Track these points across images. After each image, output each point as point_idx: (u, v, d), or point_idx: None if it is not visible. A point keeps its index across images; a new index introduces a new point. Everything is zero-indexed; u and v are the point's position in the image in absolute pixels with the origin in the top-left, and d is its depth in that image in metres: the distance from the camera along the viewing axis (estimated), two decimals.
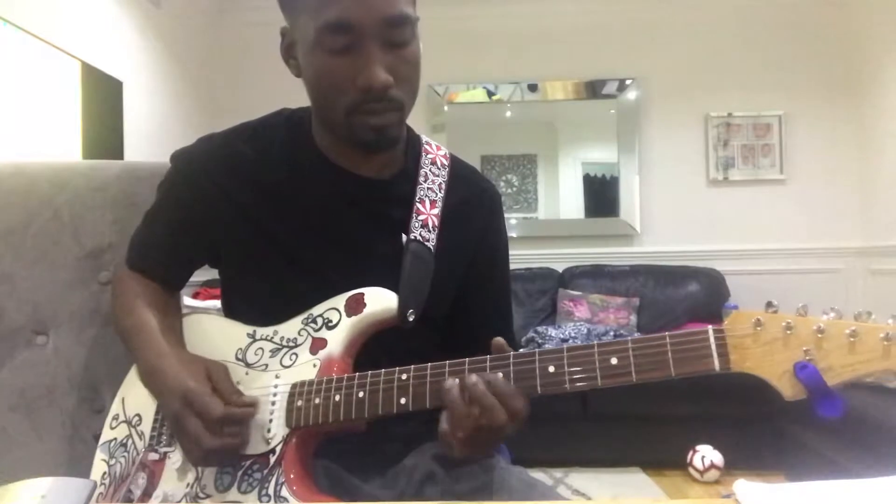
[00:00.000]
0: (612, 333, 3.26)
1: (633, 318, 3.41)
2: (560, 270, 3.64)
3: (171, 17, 3.29)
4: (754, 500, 0.56)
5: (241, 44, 3.85)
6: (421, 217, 0.87)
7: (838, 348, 0.59)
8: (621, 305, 3.43)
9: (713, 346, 0.63)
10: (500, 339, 0.72)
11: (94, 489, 0.58)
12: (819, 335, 0.60)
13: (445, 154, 0.96)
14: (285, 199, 0.86)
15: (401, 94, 0.79)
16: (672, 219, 3.79)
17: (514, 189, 3.84)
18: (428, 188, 0.90)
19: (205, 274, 0.98)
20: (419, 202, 0.88)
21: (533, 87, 3.83)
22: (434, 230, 0.87)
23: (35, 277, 1.04)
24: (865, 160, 3.65)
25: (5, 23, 2.07)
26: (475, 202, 0.95)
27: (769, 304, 0.63)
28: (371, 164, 0.87)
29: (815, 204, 3.71)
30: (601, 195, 3.83)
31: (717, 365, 0.63)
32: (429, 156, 0.93)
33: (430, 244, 0.86)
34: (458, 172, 0.95)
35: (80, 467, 0.96)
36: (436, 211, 0.89)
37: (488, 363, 0.71)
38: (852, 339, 0.58)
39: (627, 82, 3.78)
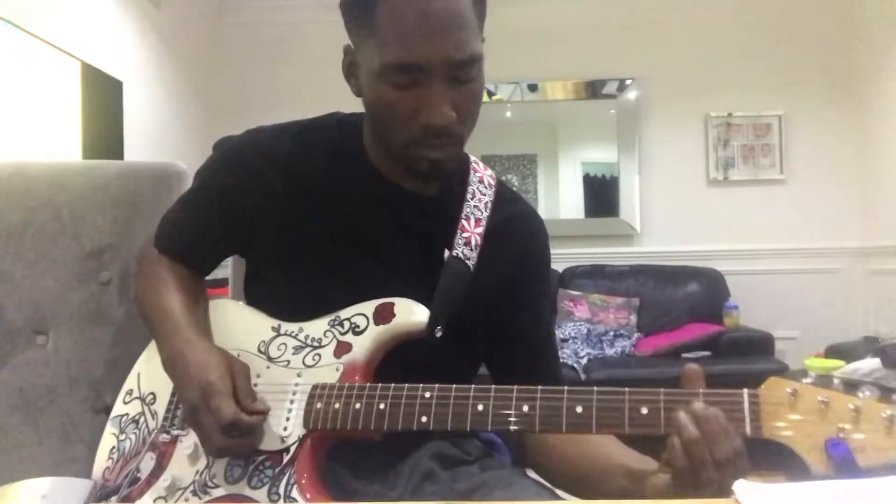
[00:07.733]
0: (612, 333, 3.26)
1: (633, 318, 3.41)
2: (560, 270, 3.64)
3: (171, 18, 3.30)
4: (754, 500, 0.56)
5: (240, 44, 3.85)
6: (465, 234, 0.87)
7: (875, 431, 0.57)
8: (621, 305, 3.43)
9: (746, 411, 0.62)
10: (693, 366, 0.67)
11: (94, 489, 0.58)
12: (855, 414, 0.58)
13: (492, 174, 0.96)
14: (325, 201, 0.86)
15: (462, 129, 0.78)
16: (672, 219, 3.79)
17: (514, 189, 3.83)
18: (474, 206, 0.90)
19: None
20: (465, 219, 0.88)
21: (533, 87, 3.83)
22: (476, 248, 0.87)
23: (35, 277, 1.04)
24: (865, 160, 3.65)
25: (5, 23, 2.07)
26: (517, 221, 0.95)
27: (805, 375, 0.62)
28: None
29: (815, 204, 3.71)
30: (601, 195, 3.83)
31: (748, 429, 0.62)
32: (476, 174, 0.93)
33: (471, 262, 0.86)
34: (503, 193, 0.95)
35: (80, 467, 0.97)
36: (480, 229, 0.88)
37: (514, 394, 0.69)
38: (889, 424, 0.57)
39: (627, 82, 3.78)
